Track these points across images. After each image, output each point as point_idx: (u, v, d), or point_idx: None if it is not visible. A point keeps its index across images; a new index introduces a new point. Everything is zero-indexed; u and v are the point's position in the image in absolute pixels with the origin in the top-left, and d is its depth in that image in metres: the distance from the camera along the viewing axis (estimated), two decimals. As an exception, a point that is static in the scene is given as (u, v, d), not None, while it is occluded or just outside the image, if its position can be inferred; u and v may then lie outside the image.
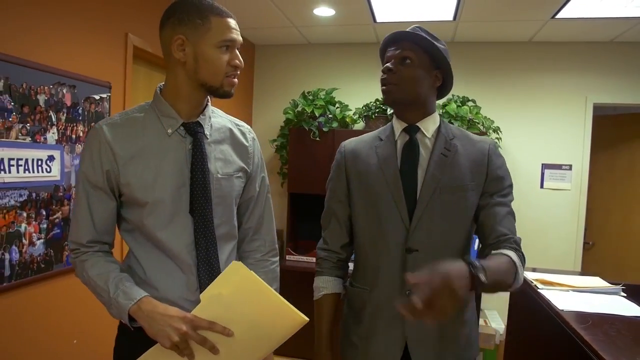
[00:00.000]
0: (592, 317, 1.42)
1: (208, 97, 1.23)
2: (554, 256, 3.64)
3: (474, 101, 3.57)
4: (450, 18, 3.22)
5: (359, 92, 3.86)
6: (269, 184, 1.41)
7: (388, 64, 1.27)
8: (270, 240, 1.37)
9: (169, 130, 1.16)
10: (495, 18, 3.20)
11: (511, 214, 1.27)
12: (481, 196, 1.28)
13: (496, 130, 3.50)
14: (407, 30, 1.29)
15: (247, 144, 1.30)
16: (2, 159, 1.66)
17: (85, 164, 1.14)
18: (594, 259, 3.80)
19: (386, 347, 1.27)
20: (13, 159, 1.70)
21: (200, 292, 1.11)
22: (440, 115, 1.36)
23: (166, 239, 1.14)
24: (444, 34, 3.61)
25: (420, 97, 1.29)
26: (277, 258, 1.39)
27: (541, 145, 3.69)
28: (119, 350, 1.22)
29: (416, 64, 1.26)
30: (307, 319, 1.08)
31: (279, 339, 1.10)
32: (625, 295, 1.68)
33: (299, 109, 3.62)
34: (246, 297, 1.06)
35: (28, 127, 1.77)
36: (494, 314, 3.63)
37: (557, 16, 3.06)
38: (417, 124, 1.31)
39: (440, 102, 3.59)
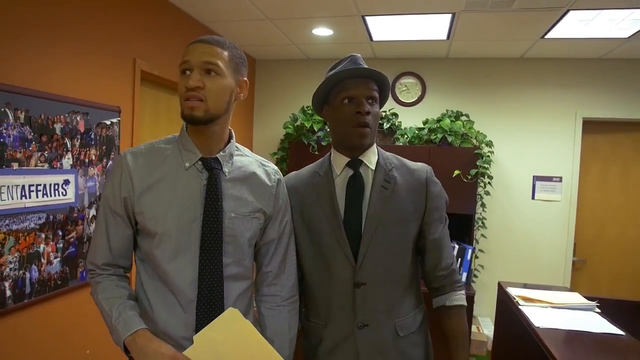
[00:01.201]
0: (564, 334, 1.55)
1: (231, 132, 1.25)
2: (545, 266, 3.77)
3: (467, 116, 3.70)
4: (444, 37, 3.35)
5: (357, 106, 3.98)
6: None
7: (365, 106, 1.25)
8: (290, 287, 1.32)
9: (187, 164, 1.17)
10: (486, 38, 3.33)
11: (447, 238, 1.37)
12: (422, 226, 1.32)
13: (489, 144, 3.63)
14: (354, 63, 1.30)
15: (269, 184, 1.27)
16: (24, 186, 1.79)
17: (107, 189, 1.18)
18: (589, 273, 3.86)
19: None
20: (33, 185, 1.84)
21: (197, 330, 1.11)
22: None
23: (172, 272, 1.14)
24: (438, 51, 3.75)
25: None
26: (297, 304, 1.35)
27: (532, 157, 3.81)
28: None
29: (378, 103, 1.31)
30: None
31: None
32: (599, 311, 1.81)
33: (298, 123, 3.75)
34: (239, 345, 1.05)
35: (46, 155, 1.90)
36: (487, 321, 3.76)
37: (546, 36, 3.19)
38: (360, 157, 1.32)
39: (435, 117, 3.72)
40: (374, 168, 1.32)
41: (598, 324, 1.65)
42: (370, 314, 1.28)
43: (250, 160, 1.29)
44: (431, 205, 1.32)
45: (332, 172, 1.35)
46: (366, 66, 1.30)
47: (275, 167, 1.34)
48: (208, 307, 1.15)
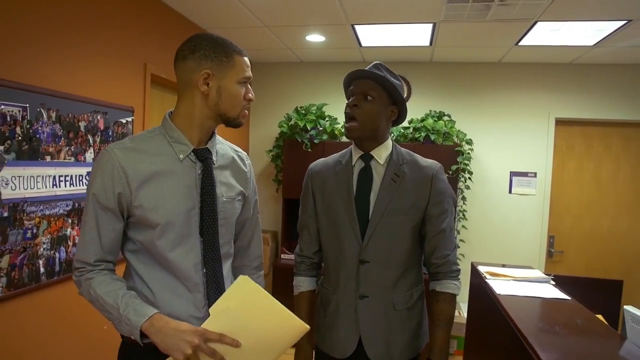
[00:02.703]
0: (520, 299, 1.84)
1: None
2: (522, 255, 4.05)
3: (449, 116, 4.00)
4: (427, 44, 3.64)
5: (347, 106, 4.26)
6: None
7: (353, 100, 1.43)
8: (258, 257, 1.50)
9: (181, 156, 1.21)
10: (466, 44, 3.63)
11: (449, 231, 1.50)
12: (424, 217, 1.49)
13: (469, 142, 3.93)
14: (369, 68, 1.45)
15: (245, 170, 1.40)
16: (55, 176, 2.05)
17: (97, 185, 1.16)
18: (566, 264, 4.14)
19: (344, 338, 1.51)
20: (62, 176, 2.09)
21: (208, 306, 1.19)
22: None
23: (175, 259, 1.20)
24: (422, 56, 4.05)
25: (379, 130, 1.47)
26: (262, 272, 1.53)
27: (509, 155, 4.12)
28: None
29: (377, 100, 1.43)
30: (308, 326, 1.16)
31: (283, 347, 1.16)
32: (554, 283, 2.11)
33: (292, 122, 4.02)
34: (253, 309, 1.12)
35: (72, 149, 2.15)
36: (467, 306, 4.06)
37: (520, 43, 3.50)
38: (371, 152, 1.49)
39: (419, 117, 4.01)
40: (383, 162, 1.49)
41: (550, 292, 1.95)
42: (371, 287, 1.48)
43: (226, 147, 1.39)
44: (434, 199, 1.47)
45: (352, 162, 1.53)
46: (374, 71, 1.45)
47: (246, 153, 1.45)
48: (214, 286, 1.25)
